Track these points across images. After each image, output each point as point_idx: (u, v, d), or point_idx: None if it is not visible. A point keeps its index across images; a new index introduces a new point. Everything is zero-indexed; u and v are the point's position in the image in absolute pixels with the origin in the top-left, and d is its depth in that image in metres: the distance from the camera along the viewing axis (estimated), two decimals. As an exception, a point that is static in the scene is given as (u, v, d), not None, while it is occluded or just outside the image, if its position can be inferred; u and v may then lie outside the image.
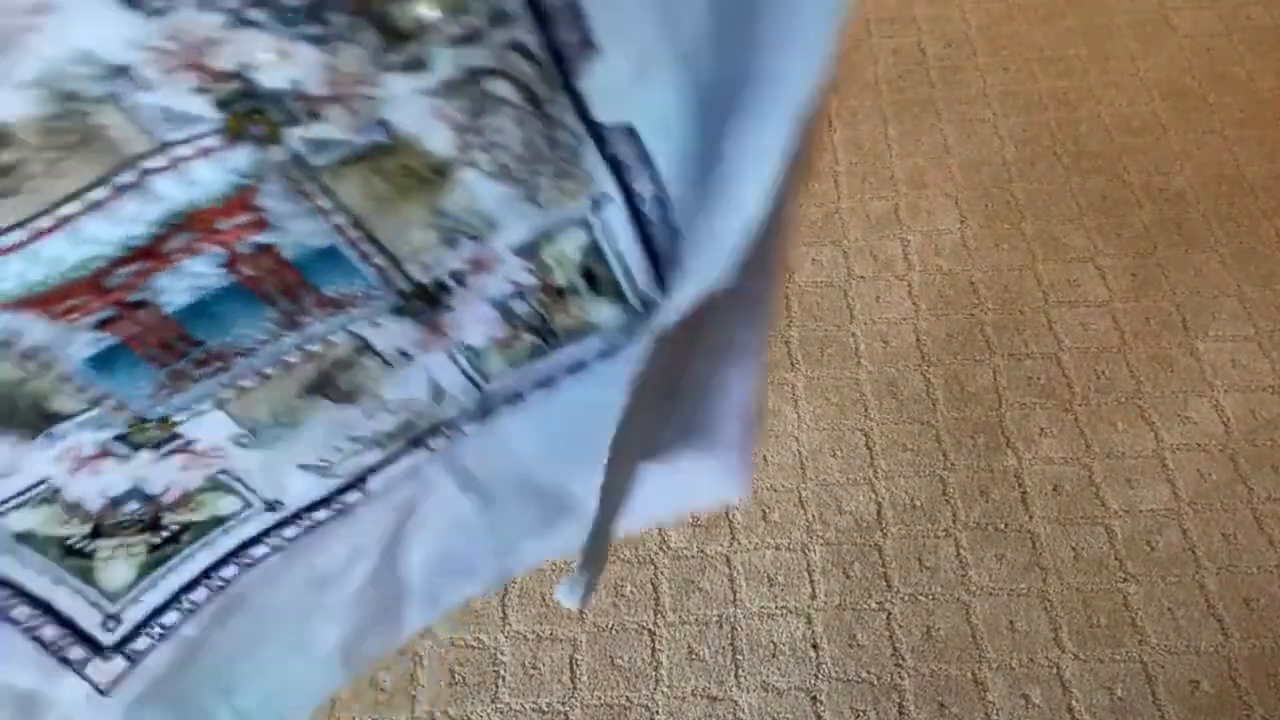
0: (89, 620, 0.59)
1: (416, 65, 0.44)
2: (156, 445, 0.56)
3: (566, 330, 0.63)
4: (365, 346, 0.58)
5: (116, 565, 0.59)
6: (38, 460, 0.52)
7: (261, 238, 0.48)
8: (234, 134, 0.43)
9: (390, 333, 0.57)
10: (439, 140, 0.47)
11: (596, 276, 0.60)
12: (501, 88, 0.46)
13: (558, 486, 0.73)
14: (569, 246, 0.58)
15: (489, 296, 0.59)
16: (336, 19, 0.41)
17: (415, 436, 0.65)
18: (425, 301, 0.57)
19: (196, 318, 0.50)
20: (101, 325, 0.48)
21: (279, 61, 0.41)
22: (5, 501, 0.53)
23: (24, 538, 0.54)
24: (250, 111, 0.42)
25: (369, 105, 0.44)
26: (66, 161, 0.41)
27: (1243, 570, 1.63)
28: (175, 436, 0.56)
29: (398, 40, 0.43)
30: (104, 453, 0.54)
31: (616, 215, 0.56)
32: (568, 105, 0.49)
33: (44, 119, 0.39)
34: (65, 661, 0.59)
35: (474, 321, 0.60)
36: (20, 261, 0.43)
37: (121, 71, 0.39)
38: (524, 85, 0.47)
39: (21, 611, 0.56)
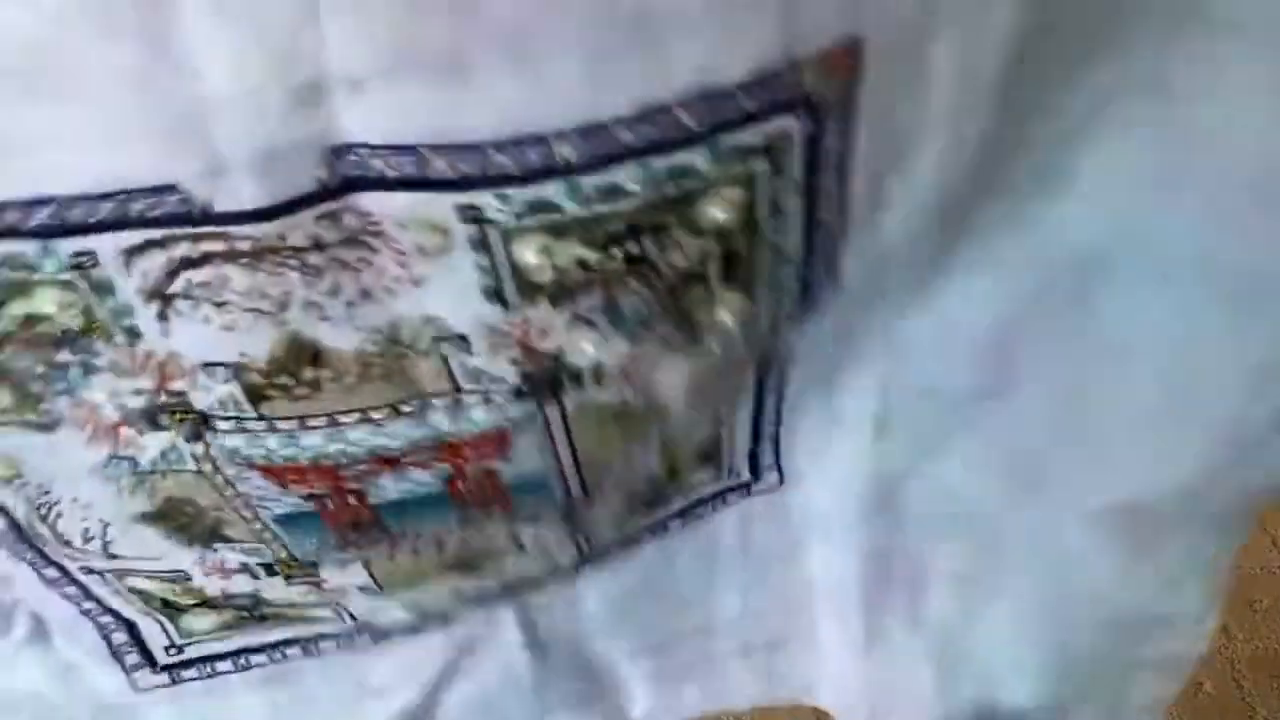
0: (156, 642, 0.61)
1: (696, 353, 0.46)
2: (290, 577, 0.57)
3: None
4: (519, 544, 0.58)
5: (203, 618, 0.61)
6: (184, 559, 0.54)
7: (494, 464, 0.49)
8: (523, 394, 0.44)
9: (542, 532, 0.58)
10: (679, 402, 0.49)
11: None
12: (745, 368, 0.50)
13: (609, 664, 0.72)
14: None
15: None
16: (662, 326, 0.42)
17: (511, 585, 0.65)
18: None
19: (393, 510, 0.51)
20: (309, 497, 0.49)
21: (594, 349, 0.43)
22: (135, 571, 0.55)
23: (136, 591, 0.57)
24: (546, 381, 0.44)
25: (643, 379, 0.46)
26: (364, 387, 0.43)
27: (1245, 571, 1.57)
28: (312, 575, 0.57)
29: (691, 335, 0.45)
30: (243, 568, 0.56)
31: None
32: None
33: (364, 354, 0.41)
34: (118, 658, 0.61)
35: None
36: (277, 439, 0.45)
37: (459, 339, 0.41)
38: (761, 367, 0.51)
39: (105, 619, 0.59)
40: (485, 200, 0.35)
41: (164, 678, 0.63)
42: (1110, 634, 0.67)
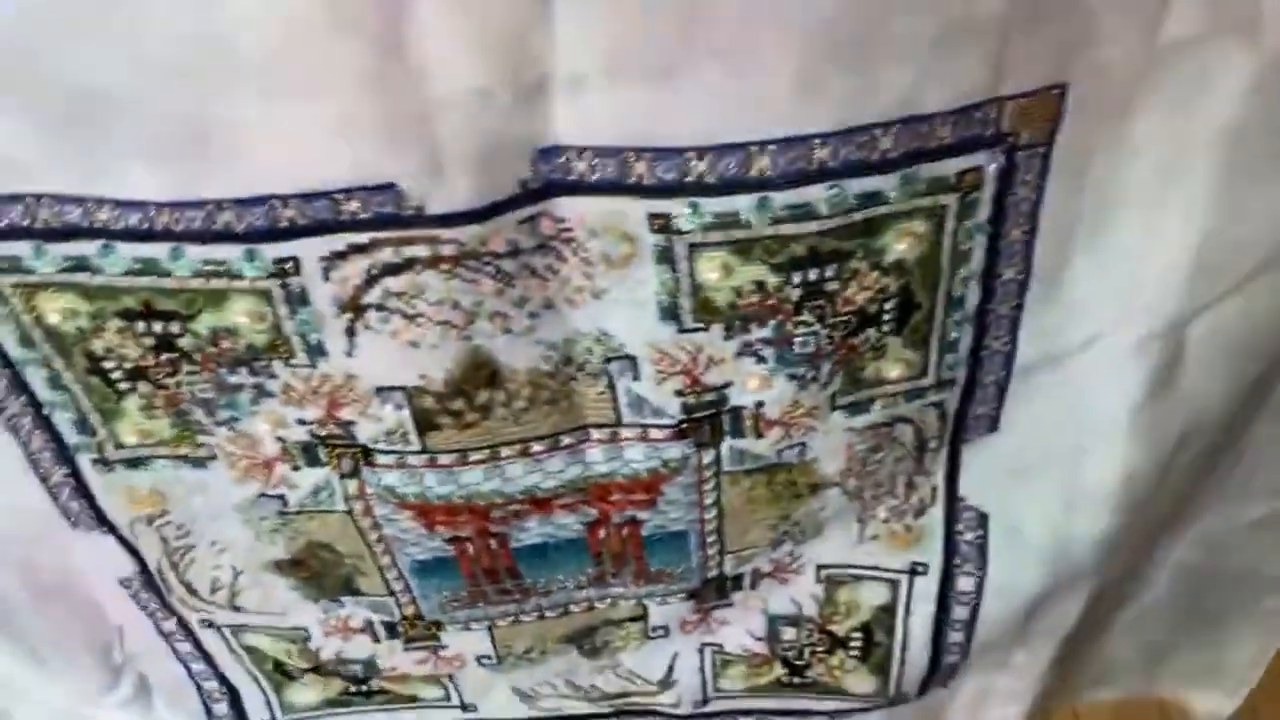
0: (257, 715, 0.62)
1: (858, 409, 0.46)
2: (410, 640, 0.57)
3: (815, 683, 0.62)
4: (641, 617, 0.58)
5: (308, 690, 0.61)
6: (308, 615, 0.54)
7: (638, 513, 0.49)
8: (683, 433, 0.44)
9: (669, 612, 0.57)
10: (833, 466, 0.48)
11: (874, 643, 0.59)
12: (902, 432, 0.48)
13: None
14: (867, 596, 0.57)
15: (768, 609, 0.58)
16: (825, 366, 0.42)
17: (624, 709, 0.64)
18: (716, 591, 0.57)
19: (531, 557, 0.51)
20: (450, 541, 0.49)
21: (758, 388, 0.43)
22: (255, 627, 0.55)
23: (250, 649, 0.57)
24: (708, 418, 0.44)
25: (801, 433, 0.46)
26: (531, 413, 0.43)
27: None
28: (433, 639, 0.57)
29: (856, 387, 0.45)
30: (365, 628, 0.56)
31: (925, 591, 0.55)
32: (943, 464, 0.50)
33: (537, 373, 0.42)
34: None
35: (741, 625, 0.59)
36: (436, 476, 0.45)
37: (629, 361, 0.42)
38: (921, 435, 0.48)
39: (210, 685, 0.59)
40: (677, 209, 0.36)
41: None
42: None
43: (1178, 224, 0.40)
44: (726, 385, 0.43)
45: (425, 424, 0.42)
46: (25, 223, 0.36)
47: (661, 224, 0.37)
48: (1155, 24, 0.34)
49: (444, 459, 0.44)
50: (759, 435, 0.45)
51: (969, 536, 0.52)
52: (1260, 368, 0.46)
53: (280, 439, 0.44)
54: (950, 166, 0.37)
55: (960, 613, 0.55)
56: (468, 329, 0.39)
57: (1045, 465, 0.48)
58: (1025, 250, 0.40)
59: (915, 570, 0.54)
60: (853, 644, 0.59)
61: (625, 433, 0.44)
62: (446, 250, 0.37)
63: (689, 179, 0.35)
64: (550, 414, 0.43)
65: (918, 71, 0.34)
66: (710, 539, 0.51)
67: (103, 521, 0.48)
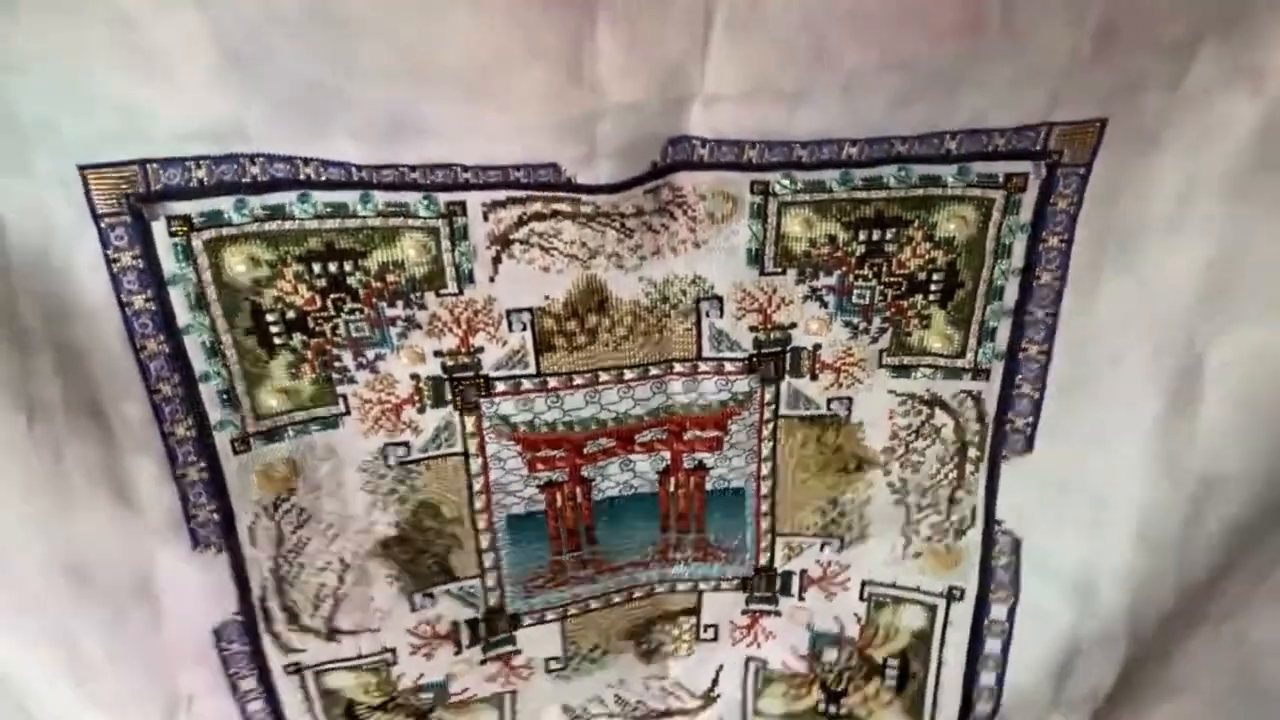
0: None
1: (902, 371, 0.54)
2: (487, 646, 0.62)
3: (850, 715, 0.65)
4: (694, 609, 0.64)
5: None
6: (400, 625, 0.58)
7: (704, 457, 0.57)
8: (752, 367, 0.53)
9: (722, 604, 0.63)
10: (877, 436, 0.56)
11: (910, 673, 0.63)
12: (944, 422, 0.55)
13: None
14: (906, 620, 0.62)
15: (811, 623, 0.63)
16: (875, 320, 0.52)
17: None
18: (766, 589, 0.62)
19: (608, 513, 0.58)
20: (543, 488, 0.56)
21: (817, 330, 0.52)
22: (341, 662, 0.58)
23: (327, 693, 0.60)
24: (773, 356, 0.52)
25: (849, 384, 0.54)
26: (628, 342, 0.52)
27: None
28: (509, 642, 0.62)
29: (902, 351, 0.53)
30: (449, 636, 0.60)
31: (960, 618, 0.60)
32: (982, 482, 0.56)
33: (638, 306, 0.51)
34: None
35: (786, 639, 0.64)
36: (545, 401, 0.53)
37: (715, 300, 0.51)
38: (960, 433, 0.55)
39: None
40: (775, 179, 0.47)
41: None
42: None
43: (1191, 247, 0.46)
44: (792, 326, 0.52)
45: (543, 344, 0.51)
46: (235, 179, 0.43)
47: (762, 188, 0.47)
48: (1183, 73, 0.43)
49: (553, 382, 0.52)
50: (814, 377, 0.53)
51: (1003, 561, 0.57)
52: None
53: (415, 376, 0.51)
54: (1000, 168, 0.46)
55: (992, 646, 0.60)
56: (589, 263, 0.49)
57: (1074, 490, 0.54)
58: (1062, 259, 0.48)
59: (952, 595, 0.59)
60: (889, 672, 0.63)
61: (703, 366, 0.53)
62: (585, 209, 0.47)
63: (790, 160, 0.46)
64: (644, 344, 0.52)
65: (990, 100, 0.44)
66: (764, 506, 0.58)
67: (226, 529, 0.51)
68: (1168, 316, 0.48)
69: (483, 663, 0.61)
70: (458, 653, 0.60)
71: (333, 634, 0.57)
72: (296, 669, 0.57)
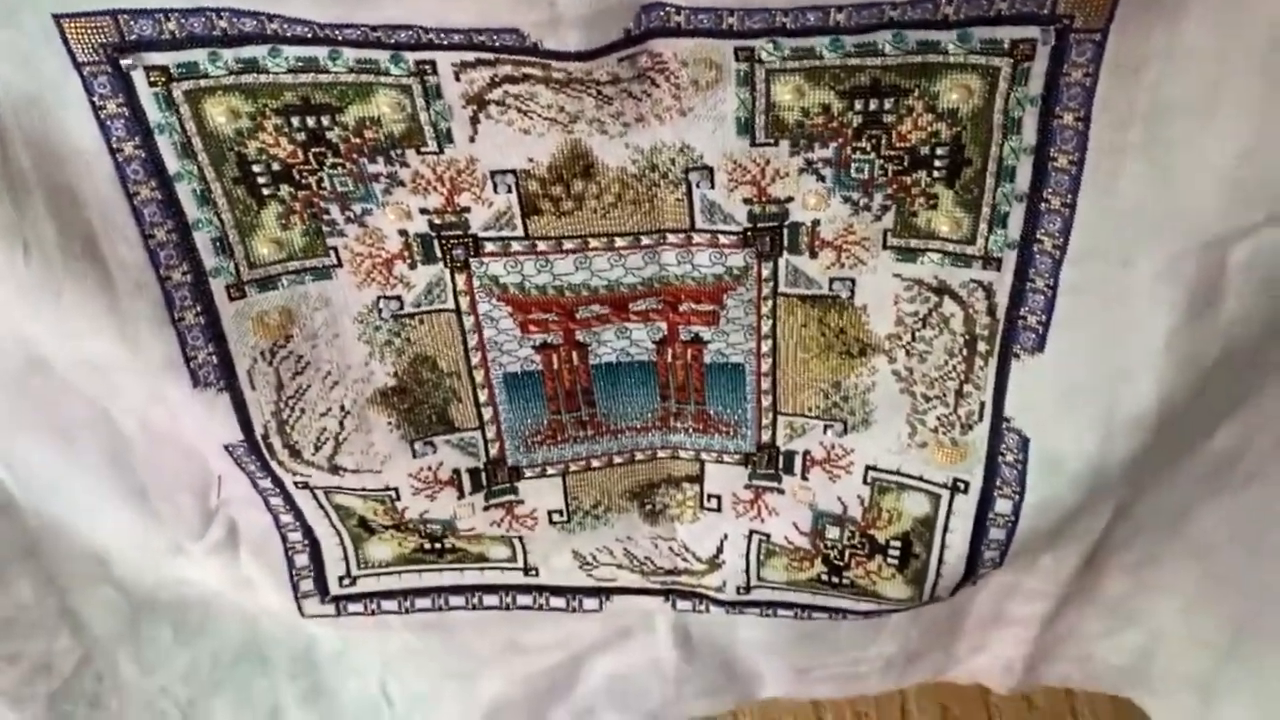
0: (334, 570, 0.67)
1: (908, 255, 0.51)
2: (489, 494, 0.63)
3: (853, 584, 0.65)
4: (697, 477, 0.63)
5: (384, 546, 0.67)
6: (401, 470, 0.60)
7: (701, 330, 0.55)
8: (747, 241, 0.51)
9: (725, 476, 0.63)
10: (882, 321, 0.54)
11: (912, 554, 0.63)
12: (953, 312, 0.52)
13: (750, 666, 0.75)
14: (909, 506, 0.61)
15: (814, 503, 0.63)
16: (877, 197, 0.49)
17: (672, 587, 0.69)
18: (769, 465, 0.62)
19: (606, 378, 0.58)
20: (538, 349, 0.56)
21: (815, 205, 0.50)
22: (347, 489, 0.61)
23: (338, 507, 0.63)
24: (769, 229, 0.50)
25: (852, 265, 0.52)
26: (616, 209, 0.51)
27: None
28: (512, 493, 0.63)
29: (907, 233, 0.50)
30: (450, 482, 0.62)
31: (964, 509, 0.59)
32: (991, 378, 0.53)
33: (625, 173, 0.49)
34: (294, 583, 0.67)
35: (789, 516, 0.64)
36: (534, 264, 0.53)
37: (705, 170, 0.49)
38: (969, 325, 0.52)
39: (295, 536, 0.64)
40: (760, 45, 0.43)
41: (330, 609, 0.68)
42: None
43: (1221, 138, 0.42)
44: (789, 199, 0.49)
45: (529, 207, 0.50)
46: (205, 32, 0.43)
47: (746, 55, 0.44)
48: None
49: (542, 245, 0.51)
50: (813, 255, 0.51)
51: (1010, 458, 0.55)
52: None
53: (403, 233, 0.51)
54: (1005, 33, 0.42)
55: (996, 534, 0.59)
56: (570, 127, 0.47)
57: (1087, 392, 0.51)
58: (1080, 140, 0.44)
59: (957, 486, 0.58)
60: (891, 552, 0.63)
61: (697, 238, 0.51)
62: (557, 75, 0.45)
63: (774, 26, 0.42)
64: (634, 214, 0.50)
65: None
66: (765, 384, 0.57)
67: (225, 371, 0.53)
68: (1194, 215, 0.45)
69: (486, 509, 0.63)
70: (460, 498, 0.62)
71: (335, 470, 0.59)
72: (306, 485, 0.60)
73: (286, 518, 0.63)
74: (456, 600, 0.69)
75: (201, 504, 0.62)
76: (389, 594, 0.68)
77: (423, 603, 0.69)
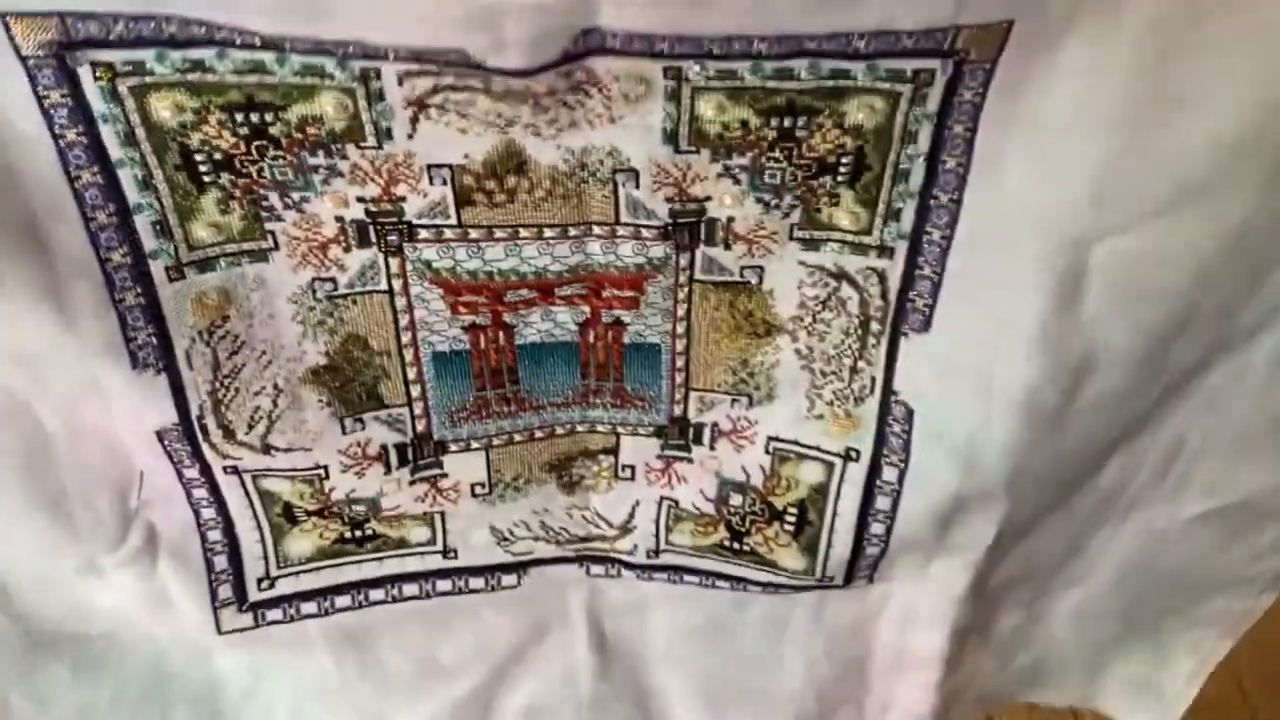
0: (252, 572, 0.67)
1: (812, 245, 0.56)
2: (415, 469, 0.65)
3: (753, 551, 0.70)
4: (613, 449, 0.67)
5: (304, 540, 0.68)
6: (331, 446, 0.62)
7: (622, 314, 0.59)
8: (667, 235, 0.55)
9: (639, 448, 0.67)
10: (786, 305, 0.59)
11: (807, 521, 0.67)
12: (849, 295, 0.57)
13: (664, 698, 0.79)
14: (806, 474, 0.65)
15: (720, 471, 0.67)
16: (786, 198, 0.54)
17: (585, 553, 0.73)
18: (680, 438, 0.66)
19: (530, 357, 0.62)
20: (467, 329, 0.59)
21: (731, 205, 0.54)
22: (276, 471, 0.62)
23: (264, 493, 0.64)
24: (688, 225, 0.55)
25: (761, 255, 0.56)
26: (547, 203, 0.54)
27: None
28: (436, 465, 0.66)
29: (811, 226, 0.55)
30: (379, 457, 0.64)
31: (855, 477, 0.64)
32: (883, 356, 0.58)
33: (556, 171, 0.53)
34: (212, 590, 0.67)
35: (696, 483, 0.68)
36: (466, 250, 0.56)
37: (631, 173, 0.53)
38: (864, 308, 0.57)
39: (215, 535, 0.65)
40: (687, 66, 0.47)
41: (248, 619, 0.69)
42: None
43: (1087, 146, 0.47)
44: (706, 199, 0.53)
45: (463, 199, 0.53)
46: (153, 35, 0.44)
47: (674, 73, 0.48)
48: None
49: (474, 233, 0.54)
50: (728, 246, 0.55)
51: (896, 429, 0.60)
52: (1154, 317, 0.53)
53: (339, 219, 0.53)
54: (908, 64, 0.47)
55: (883, 503, 0.64)
56: (506, 129, 0.50)
57: (966, 369, 0.56)
58: (966, 146, 0.49)
59: (849, 455, 0.63)
60: (788, 518, 0.67)
61: (621, 230, 0.55)
62: (497, 88, 0.48)
63: (701, 51, 0.46)
64: (563, 207, 0.54)
65: (899, 5, 0.44)
66: (680, 362, 0.61)
67: (164, 352, 0.54)
68: (1061, 213, 0.50)
69: (411, 483, 0.65)
70: (387, 473, 0.64)
71: (267, 449, 0.61)
72: (235, 470, 0.61)
73: (208, 512, 0.63)
74: (376, 594, 0.70)
75: (121, 505, 0.61)
76: (308, 594, 0.69)
77: (342, 600, 0.70)
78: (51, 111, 0.46)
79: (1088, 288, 0.52)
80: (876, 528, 0.66)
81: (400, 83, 0.48)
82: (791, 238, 0.55)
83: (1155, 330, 0.54)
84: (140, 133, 0.48)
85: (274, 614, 0.69)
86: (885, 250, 0.54)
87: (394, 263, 0.56)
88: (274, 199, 0.52)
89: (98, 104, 0.47)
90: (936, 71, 0.47)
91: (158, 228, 0.51)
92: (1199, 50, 0.44)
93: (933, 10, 0.44)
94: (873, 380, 0.60)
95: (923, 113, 0.49)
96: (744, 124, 0.50)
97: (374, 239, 0.55)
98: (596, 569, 0.73)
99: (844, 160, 0.51)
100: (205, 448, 0.59)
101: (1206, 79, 0.45)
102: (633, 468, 0.68)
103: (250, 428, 0.60)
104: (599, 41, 0.46)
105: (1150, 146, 0.47)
